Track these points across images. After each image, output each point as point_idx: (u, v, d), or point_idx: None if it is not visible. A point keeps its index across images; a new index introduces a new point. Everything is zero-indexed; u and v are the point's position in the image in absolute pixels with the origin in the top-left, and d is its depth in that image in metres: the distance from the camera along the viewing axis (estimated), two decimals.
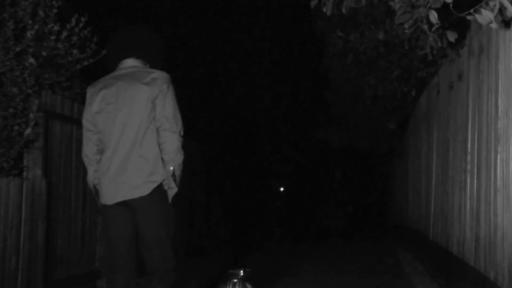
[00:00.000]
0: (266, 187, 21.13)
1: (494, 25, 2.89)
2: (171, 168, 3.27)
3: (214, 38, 14.98)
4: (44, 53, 4.68)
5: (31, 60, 4.53)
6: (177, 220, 3.43)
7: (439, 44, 3.42)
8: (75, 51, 5.07)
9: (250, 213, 16.46)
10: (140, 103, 3.27)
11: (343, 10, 3.88)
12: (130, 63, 3.46)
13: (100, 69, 3.89)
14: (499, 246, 3.53)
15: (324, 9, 3.89)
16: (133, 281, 3.38)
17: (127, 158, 3.26)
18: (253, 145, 18.93)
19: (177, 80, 3.52)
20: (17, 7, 4.60)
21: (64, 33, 4.90)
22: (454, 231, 5.07)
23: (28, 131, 4.42)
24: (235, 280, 3.74)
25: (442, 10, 3.10)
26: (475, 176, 4.29)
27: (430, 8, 3.07)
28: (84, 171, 3.54)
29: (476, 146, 4.31)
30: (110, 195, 3.30)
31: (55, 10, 4.81)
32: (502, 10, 2.84)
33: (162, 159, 3.27)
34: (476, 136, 4.32)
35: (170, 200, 3.32)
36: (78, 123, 3.87)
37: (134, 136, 3.27)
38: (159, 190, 3.27)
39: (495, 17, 2.83)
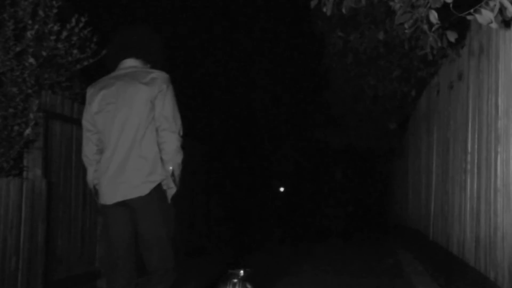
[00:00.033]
0: (266, 187, 21.13)
1: (494, 25, 2.89)
2: (170, 168, 3.27)
3: (214, 38, 14.98)
4: (44, 53, 4.68)
5: (31, 60, 4.53)
6: (177, 220, 3.43)
7: (439, 44, 3.42)
8: (75, 51, 5.07)
9: (250, 213, 16.46)
10: (139, 103, 3.27)
11: (343, 10, 3.88)
12: (130, 63, 3.46)
13: (100, 69, 3.89)
14: (499, 246, 3.53)
15: (324, 9, 3.89)
16: (133, 281, 3.38)
17: (126, 158, 3.26)
18: (253, 145, 18.93)
19: (177, 80, 3.52)
20: (17, 7, 4.60)
21: (64, 33, 4.90)
22: (454, 231, 5.07)
23: (28, 131, 4.41)
24: (235, 280, 3.74)
25: (442, 10, 3.10)
26: (475, 176, 4.29)
27: (430, 8, 3.07)
28: (84, 171, 3.54)
29: (476, 146, 4.31)
30: (110, 195, 3.30)
31: (55, 10, 4.81)
32: (502, 10, 2.84)
33: (161, 159, 3.27)
34: (476, 136, 4.32)
35: (169, 200, 3.32)
36: (78, 123, 3.87)
37: (133, 136, 3.27)
38: (158, 190, 3.27)
39: (495, 17, 2.83)
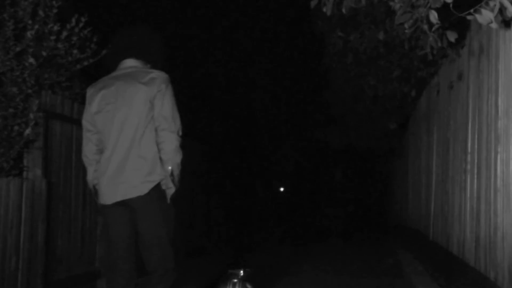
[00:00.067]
0: (266, 187, 21.12)
1: (494, 25, 2.89)
2: (170, 168, 3.27)
3: (214, 38, 14.99)
4: (44, 53, 4.68)
5: (31, 60, 4.53)
6: (177, 220, 3.43)
7: (439, 44, 3.42)
8: (75, 51, 5.07)
9: (250, 213, 16.46)
10: (138, 103, 3.28)
11: (343, 10, 3.88)
12: (129, 63, 3.46)
13: (100, 69, 3.89)
14: (499, 246, 3.53)
15: (324, 9, 3.89)
16: (133, 281, 3.38)
17: (125, 158, 3.26)
18: (253, 145, 18.93)
19: (177, 80, 3.52)
20: (17, 7, 4.60)
21: (64, 33, 4.90)
22: (454, 231, 5.07)
23: (28, 131, 4.41)
24: (235, 280, 3.74)
25: (442, 10, 3.10)
26: (475, 176, 4.29)
27: (430, 8, 3.07)
28: (84, 171, 3.54)
29: (476, 146, 4.31)
30: (109, 195, 3.30)
31: (55, 10, 4.81)
32: (502, 10, 2.84)
33: (161, 159, 3.27)
34: (476, 136, 4.32)
35: (168, 200, 3.33)
36: (78, 123, 3.87)
37: (133, 136, 3.27)
38: (158, 189, 3.27)
39: (495, 17, 2.83)
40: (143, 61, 3.51)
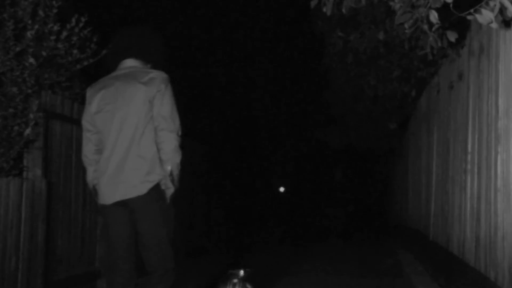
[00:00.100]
0: (266, 187, 21.12)
1: (494, 25, 2.89)
2: (169, 167, 3.27)
3: (214, 38, 14.99)
4: (44, 53, 4.68)
5: (31, 60, 4.53)
6: (177, 220, 3.43)
7: (439, 44, 3.42)
8: (75, 51, 5.07)
9: (250, 213, 16.46)
10: (137, 103, 3.28)
11: (343, 10, 3.88)
12: (129, 63, 3.47)
13: (100, 69, 3.89)
14: (499, 246, 3.53)
15: (324, 9, 3.88)
16: (133, 281, 3.38)
17: (125, 158, 3.27)
18: (253, 145, 18.93)
19: (177, 80, 3.52)
20: (17, 7, 4.60)
21: (64, 33, 4.90)
22: (454, 231, 5.07)
23: (28, 131, 4.41)
24: (235, 280, 3.74)
25: (442, 10, 3.10)
26: (475, 176, 4.29)
27: (430, 8, 3.07)
28: (84, 171, 3.54)
29: (476, 146, 4.31)
30: (109, 195, 3.31)
31: (55, 10, 4.81)
32: (502, 10, 2.84)
33: (160, 159, 3.27)
34: (476, 136, 4.31)
35: (168, 200, 3.33)
36: (78, 123, 3.87)
37: (132, 136, 3.27)
38: (157, 189, 3.27)
39: (496, 17, 2.83)
40: (143, 61, 3.51)
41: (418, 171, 8.15)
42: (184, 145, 3.43)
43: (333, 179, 25.75)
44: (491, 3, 2.85)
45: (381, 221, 17.32)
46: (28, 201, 4.36)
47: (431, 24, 3.20)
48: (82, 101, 4.47)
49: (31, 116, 4.42)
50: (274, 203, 22.09)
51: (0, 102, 4.36)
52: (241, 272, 3.77)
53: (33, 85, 4.53)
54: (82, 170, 3.98)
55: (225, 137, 14.90)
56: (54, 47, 4.83)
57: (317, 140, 18.26)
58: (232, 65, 16.31)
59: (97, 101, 3.38)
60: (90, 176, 3.44)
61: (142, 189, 3.24)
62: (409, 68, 7.12)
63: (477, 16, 2.88)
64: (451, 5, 2.97)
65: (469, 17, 2.94)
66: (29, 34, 4.53)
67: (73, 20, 5.01)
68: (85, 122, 3.44)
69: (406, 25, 3.28)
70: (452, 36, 3.42)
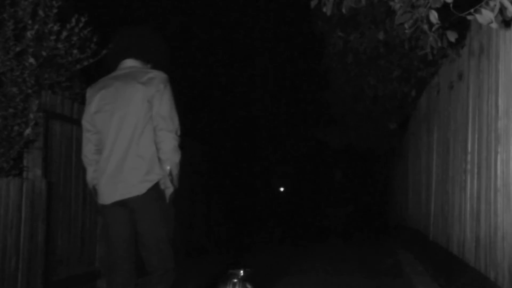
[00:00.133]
0: (266, 187, 21.12)
1: (494, 25, 2.89)
2: (168, 167, 3.27)
3: (214, 38, 14.99)
4: (44, 53, 4.68)
5: (31, 60, 4.53)
6: (177, 220, 3.43)
7: (439, 44, 3.42)
8: (75, 51, 5.07)
9: (250, 213, 16.45)
10: (136, 103, 3.29)
11: (343, 10, 3.88)
12: (129, 63, 3.48)
13: (100, 69, 3.89)
14: (499, 246, 3.53)
15: (324, 9, 3.89)
16: (133, 281, 3.38)
17: (124, 157, 3.27)
18: (253, 145, 18.93)
19: (177, 80, 3.52)
20: (17, 7, 4.60)
21: (64, 33, 4.90)
22: (454, 231, 5.07)
23: (28, 131, 4.41)
24: (235, 280, 3.74)
25: (442, 10, 3.10)
26: (475, 176, 4.29)
27: (430, 8, 3.07)
28: (84, 171, 3.54)
29: (476, 146, 4.31)
30: (108, 195, 3.31)
31: (55, 10, 4.80)
32: (502, 10, 2.84)
33: (159, 158, 3.27)
34: (476, 136, 4.32)
35: (167, 200, 3.33)
36: (78, 123, 3.87)
37: (131, 135, 3.27)
38: (156, 189, 3.27)
39: (496, 17, 2.83)
40: (143, 61, 3.51)
41: (418, 171, 8.15)
42: (184, 145, 3.43)
43: (333, 179, 25.73)
44: (491, 3, 2.85)
45: (381, 221, 17.31)
46: (28, 201, 4.35)
47: (431, 24, 3.20)
48: (82, 101, 4.48)
49: (31, 116, 4.42)
50: (274, 203, 22.08)
51: (0, 102, 4.36)
52: (241, 272, 3.77)
53: (33, 85, 4.53)
54: (82, 170, 3.98)
55: (225, 137, 14.90)
56: (54, 47, 4.83)
57: (317, 140, 18.27)
58: (232, 65, 16.31)
59: (97, 101, 3.38)
60: (90, 176, 3.45)
61: (141, 189, 3.25)
62: (409, 68, 7.12)
63: (477, 16, 2.88)
64: (451, 5, 2.97)
65: (469, 17, 2.95)
66: (29, 34, 4.53)
67: (73, 20, 5.01)
68: (85, 122, 3.45)
69: (406, 25, 3.29)
70: (452, 36, 3.42)
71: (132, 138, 3.27)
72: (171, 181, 3.29)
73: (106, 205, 3.34)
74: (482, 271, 3.94)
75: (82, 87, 5.15)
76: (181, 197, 3.46)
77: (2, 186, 4.09)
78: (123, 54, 3.49)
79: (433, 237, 6.42)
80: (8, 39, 4.42)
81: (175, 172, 3.30)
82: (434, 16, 3.07)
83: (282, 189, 24.49)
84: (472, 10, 2.90)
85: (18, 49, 4.47)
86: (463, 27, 4.43)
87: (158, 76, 3.34)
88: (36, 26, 4.60)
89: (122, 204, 3.29)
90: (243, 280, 3.75)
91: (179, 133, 3.33)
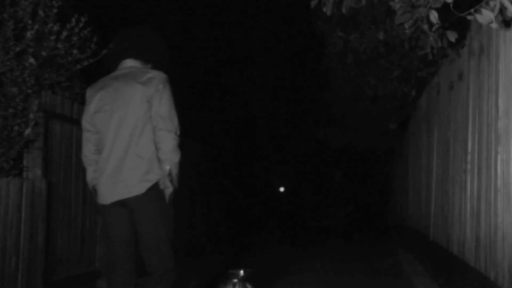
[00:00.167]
0: (266, 187, 21.12)
1: (494, 25, 2.89)
2: (168, 167, 3.27)
3: (214, 38, 14.99)
4: (44, 53, 4.68)
5: (31, 60, 4.53)
6: (177, 220, 3.43)
7: (439, 44, 3.42)
8: (75, 51, 5.07)
9: (250, 213, 16.45)
10: (135, 103, 3.29)
11: (343, 10, 3.87)
12: (129, 64, 3.48)
13: (100, 69, 3.90)
14: (499, 246, 3.53)
15: (324, 9, 3.88)
16: (133, 281, 3.38)
17: (123, 157, 3.27)
18: (253, 145, 18.92)
19: (177, 80, 3.53)
20: (17, 7, 4.60)
21: (64, 33, 4.90)
22: (454, 231, 5.07)
23: (28, 131, 4.41)
24: (235, 280, 3.74)
25: (443, 10, 3.10)
26: (476, 176, 4.29)
27: (431, 8, 3.07)
28: (84, 171, 3.55)
29: (476, 146, 4.31)
30: (107, 195, 3.31)
31: (55, 10, 4.81)
32: (502, 10, 2.84)
33: (158, 158, 3.28)
34: (476, 136, 4.31)
35: (167, 200, 3.33)
36: (78, 123, 3.87)
37: (130, 135, 3.28)
38: (156, 189, 3.28)
39: (496, 17, 2.83)
40: (143, 61, 3.52)
41: (418, 171, 8.15)
42: (184, 145, 3.43)
43: (333, 179, 25.73)
44: (491, 3, 2.85)
45: (381, 221, 17.31)
46: (28, 201, 4.36)
47: (431, 24, 3.20)
48: (82, 101, 4.48)
49: (31, 116, 4.42)
50: (274, 203, 22.08)
51: (0, 102, 4.36)
52: (241, 272, 3.78)
53: (33, 85, 4.53)
54: (82, 170, 3.98)
55: (225, 137, 14.90)
56: (54, 47, 4.83)
57: (317, 140, 18.27)
58: (232, 65, 16.31)
59: (96, 101, 3.39)
60: (90, 176, 3.45)
61: (140, 189, 3.25)
62: (409, 68, 7.12)
63: (477, 16, 2.88)
64: (451, 5, 2.97)
65: (469, 17, 2.95)
66: (29, 34, 4.53)
67: (73, 20, 5.01)
68: (85, 122, 3.45)
69: (406, 25, 3.29)
70: (452, 36, 3.42)
71: (131, 138, 3.28)
72: (171, 181, 3.29)
73: (106, 205, 3.34)
74: (482, 271, 3.94)
75: (82, 87, 5.15)
76: (181, 197, 3.46)
77: (2, 186, 4.09)
78: (123, 54, 3.49)
79: (433, 237, 6.42)
80: (8, 39, 4.42)
81: (175, 172, 3.31)
82: (434, 16, 3.07)
83: (282, 189, 24.49)
84: (472, 10, 2.90)
85: (18, 49, 4.47)
86: (463, 27, 4.43)
87: (158, 76, 3.34)
88: (36, 26, 4.60)
89: (121, 204, 3.29)
90: (243, 280, 3.75)
91: (178, 133, 3.33)
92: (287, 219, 20.53)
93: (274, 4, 18.53)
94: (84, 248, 5.29)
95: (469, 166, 4.53)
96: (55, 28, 4.81)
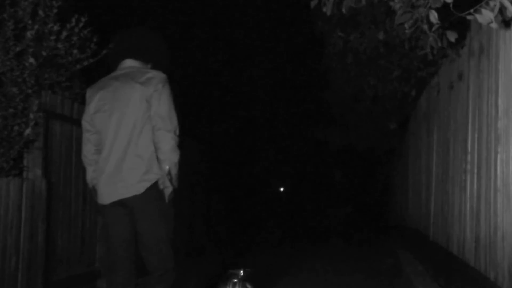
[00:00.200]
0: (266, 187, 21.12)
1: (494, 25, 2.89)
2: (167, 167, 3.27)
3: (214, 38, 14.99)
4: (44, 53, 4.68)
5: (31, 60, 4.53)
6: (177, 220, 3.43)
7: (439, 44, 3.42)
8: (75, 51, 5.07)
9: (250, 213, 16.45)
10: (135, 102, 3.29)
11: (343, 10, 3.88)
12: (129, 64, 3.49)
13: (100, 69, 3.90)
14: (499, 246, 3.53)
15: (324, 9, 3.89)
16: (133, 281, 3.38)
17: (122, 157, 3.28)
18: (253, 145, 18.92)
19: (177, 80, 3.53)
20: (17, 7, 4.60)
21: (64, 33, 4.90)
22: (454, 231, 5.07)
23: (28, 131, 4.41)
24: (235, 280, 3.74)
25: (442, 10, 3.10)
26: (475, 176, 4.29)
27: (430, 8, 3.07)
28: (84, 171, 3.55)
29: (476, 146, 4.31)
30: (107, 195, 3.31)
31: (55, 10, 4.81)
32: (502, 10, 2.84)
33: (158, 158, 3.28)
34: (476, 136, 4.31)
35: (166, 200, 3.33)
36: (78, 123, 3.88)
37: (129, 135, 3.28)
38: (155, 189, 3.28)
39: (496, 17, 2.83)
40: (143, 61, 3.53)
41: (418, 171, 8.15)
42: (184, 144, 3.43)
43: (333, 179, 25.74)
44: (491, 3, 2.85)
45: (381, 221, 17.31)
46: (28, 201, 4.36)
47: (431, 24, 3.20)
48: (82, 101, 4.48)
49: (31, 116, 4.42)
50: (274, 203, 22.08)
51: (0, 102, 4.36)
52: (241, 272, 3.78)
53: (33, 85, 4.53)
54: (82, 170, 3.99)
55: (225, 137, 14.90)
56: (54, 47, 4.83)
57: (317, 140, 18.27)
58: (232, 65, 16.31)
59: (96, 101, 3.40)
60: (90, 176, 3.46)
61: (139, 188, 3.25)
62: (409, 68, 7.12)
63: (477, 16, 2.88)
64: (451, 5, 2.97)
65: (469, 17, 2.95)
66: (29, 34, 4.53)
67: (73, 20, 5.01)
68: (85, 122, 3.46)
69: (406, 25, 3.29)
70: (452, 36, 3.42)
71: (131, 138, 3.28)
72: (170, 180, 3.29)
73: (106, 205, 3.34)
74: (482, 271, 3.94)
75: (82, 87, 5.15)
76: (181, 197, 3.46)
77: (2, 186, 4.09)
78: (123, 54, 3.50)
79: (433, 237, 6.42)
80: (8, 39, 4.42)
81: (174, 171, 3.31)
82: (434, 16, 3.07)
83: (282, 189, 24.50)
84: (472, 10, 2.90)
85: (18, 49, 4.48)
86: (463, 27, 4.43)
87: (157, 76, 3.34)
88: (36, 26, 4.60)
89: (121, 204, 3.30)
90: (243, 280, 3.75)
91: (177, 132, 3.33)
92: (287, 219, 20.54)
93: (274, 4, 18.53)
94: (84, 248, 5.29)
95: (469, 166, 4.53)
96: (55, 28, 4.81)
